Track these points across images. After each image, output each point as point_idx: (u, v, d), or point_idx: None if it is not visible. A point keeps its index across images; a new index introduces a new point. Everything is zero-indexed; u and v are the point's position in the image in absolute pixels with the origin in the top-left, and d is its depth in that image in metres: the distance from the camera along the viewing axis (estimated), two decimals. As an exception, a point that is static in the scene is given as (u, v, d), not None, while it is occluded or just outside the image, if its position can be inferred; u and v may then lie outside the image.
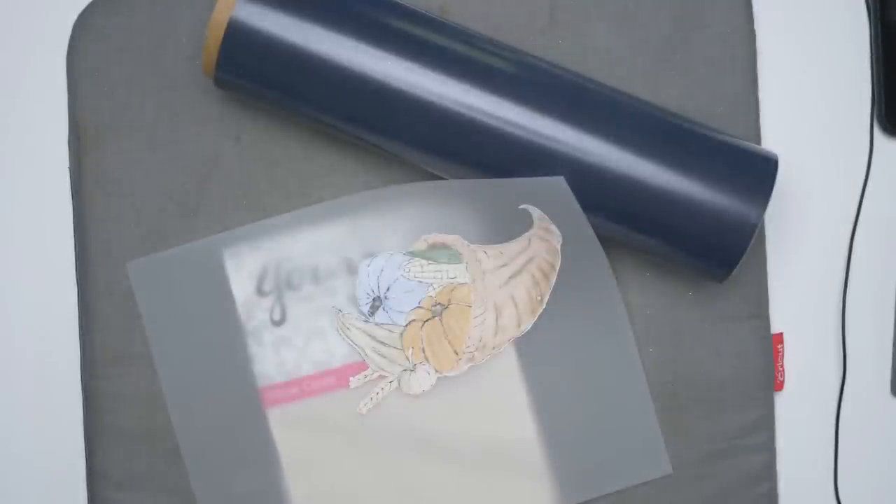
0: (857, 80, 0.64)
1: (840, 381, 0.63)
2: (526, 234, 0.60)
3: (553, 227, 0.60)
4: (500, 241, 0.61)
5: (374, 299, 0.61)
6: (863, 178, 0.64)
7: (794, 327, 0.63)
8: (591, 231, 0.58)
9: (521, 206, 0.59)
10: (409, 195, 0.61)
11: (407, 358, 0.61)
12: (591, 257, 0.59)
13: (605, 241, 0.61)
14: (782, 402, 0.63)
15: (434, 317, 0.61)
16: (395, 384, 0.61)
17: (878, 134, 0.64)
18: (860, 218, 0.64)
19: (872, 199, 0.64)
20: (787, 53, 0.64)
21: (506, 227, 0.60)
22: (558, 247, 0.60)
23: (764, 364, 0.62)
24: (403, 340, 0.61)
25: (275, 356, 0.61)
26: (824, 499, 0.64)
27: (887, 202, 0.64)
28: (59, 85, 0.64)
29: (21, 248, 0.64)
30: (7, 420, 0.64)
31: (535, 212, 0.59)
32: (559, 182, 0.56)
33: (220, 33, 0.56)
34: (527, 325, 0.61)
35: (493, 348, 0.61)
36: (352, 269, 0.61)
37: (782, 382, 0.63)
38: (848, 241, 0.64)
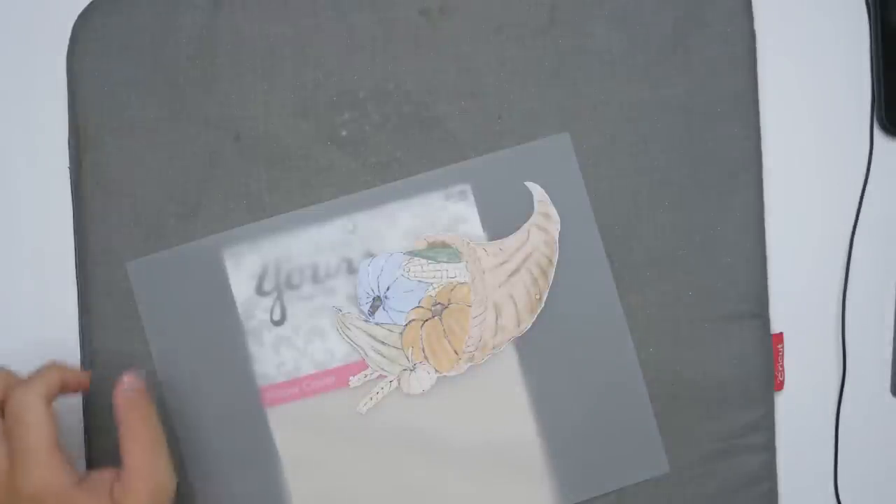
0: (857, 80, 0.64)
1: (840, 381, 0.63)
2: (525, 225, 0.60)
3: (552, 211, 0.60)
4: (503, 227, 0.61)
5: (374, 299, 0.61)
6: (863, 178, 0.64)
7: (794, 327, 0.63)
8: (586, 199, 0.58)
9: (525, 183, 0.59)
10: (409, 194, 0.61)
11: (407, 357, 0.61)
12: (588, 248, 0.60)
13: (605, 239, 0.61)
14: (782, 402, 0.63)
15: (434, 316, 0.61)
16: (395, 384, 0.61)
17: (878, 134, 0.64)
18: (860, 218, 0.64)
19: (872, 199, 0.64)
20: (787, 53, 0.64)
21: (509, 213, 0.61)
22: (556, 236, 0.60)
23: (764, 364, 0.62)
24: (403, 340, 0.61)
25: (275, 356, 0.61)
26: (824, 499, 0.63)
27: (887, 202, 0.64)
28: (60, 85, 0.63)
29: (22, 248, 0.64)
30: (7, 420, 0.64)
31: (537, 191, 0.59)
32: (564, 139, 0.56)
33: None
34: (526, 325, 0.61)
35: (493, 348, 0.61)
36: (352, 269, 0.61)
37: (782, 382, 0.63)
38: (848, 241, 0.64)
